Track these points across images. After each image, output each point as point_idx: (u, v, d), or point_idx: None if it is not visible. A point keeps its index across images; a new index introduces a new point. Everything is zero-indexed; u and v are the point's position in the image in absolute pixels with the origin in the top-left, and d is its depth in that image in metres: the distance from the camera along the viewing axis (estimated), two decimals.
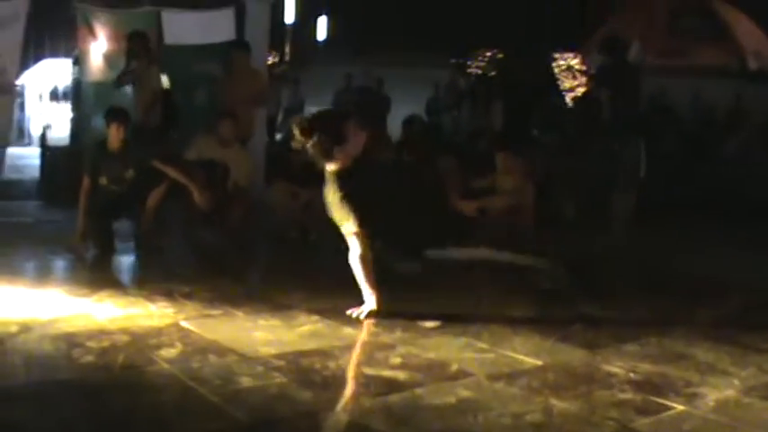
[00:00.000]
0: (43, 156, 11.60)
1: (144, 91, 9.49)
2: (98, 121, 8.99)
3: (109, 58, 10.59)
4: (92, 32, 10.73)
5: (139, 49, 9.55)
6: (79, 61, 11.40)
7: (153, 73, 9.69)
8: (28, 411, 3.75)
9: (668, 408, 4.07)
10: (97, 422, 3.68)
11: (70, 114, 13.05)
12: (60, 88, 18.13)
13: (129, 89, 9.63)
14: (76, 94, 12.11)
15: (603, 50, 9.77)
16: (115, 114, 7.79)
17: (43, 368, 4.32)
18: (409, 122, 10.24)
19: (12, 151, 10.84)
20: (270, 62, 15.72)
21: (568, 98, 17.31)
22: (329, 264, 7.53)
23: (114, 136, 7.63)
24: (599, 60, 11.84)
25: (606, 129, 9.59)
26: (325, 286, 6.45)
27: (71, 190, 7.86)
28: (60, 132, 13.32)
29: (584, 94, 15.00)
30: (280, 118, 17.01)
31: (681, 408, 4.08)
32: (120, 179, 7.62)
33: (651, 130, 10.60)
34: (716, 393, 4.29)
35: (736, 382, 4.50)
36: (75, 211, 7.56)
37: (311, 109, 18.36)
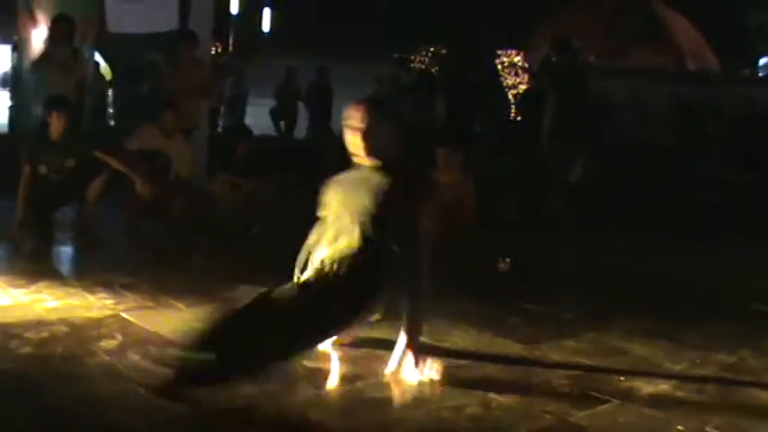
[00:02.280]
0: None
1: (67, 79, 9.33)
2: (37, 109, 8.89)
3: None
4: (33, 18, 10.58)
5: (61, 34, 9.39)
6: (19, 48, 11.25)
7: (80, 61, 9.55)
8: None
9: (604, 401, 4.15)
10: (35, 414, 3.65)
11: (9, 102, 12.86)
12: None
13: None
14: (16, 81, 11.95)
15: (555, 51, 9.87)
16: (56, 103, 7.71)
17: None
18: None
19: None
20: (213, 53, 15.64)
21: (510, 95, 17.44)
22: (271, 256, 7.53)
23: (55, 125, 7.55)
24: (541, 58, 11.99)
25: (550, 129, 9.71)
26: (267, 279, 6.43)
27: (9, 178, 7.77)
28: None
29: (527, 91, 15.12)
30: (222, 109, 16.92)
31: (616, 401, 4.16)
32: (61, 168, 7.55)
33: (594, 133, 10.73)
34: (650, 387, 4.39)
35: (670, 376, 4.59)
36: (14, 199, 7.47)
37: (254, 100, 18.33)
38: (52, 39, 9.46)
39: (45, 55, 9.42)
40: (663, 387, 4.43)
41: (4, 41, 16.35)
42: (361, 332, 5.02)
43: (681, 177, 10.99)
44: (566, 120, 9.51)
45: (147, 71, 10.74)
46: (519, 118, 14.33)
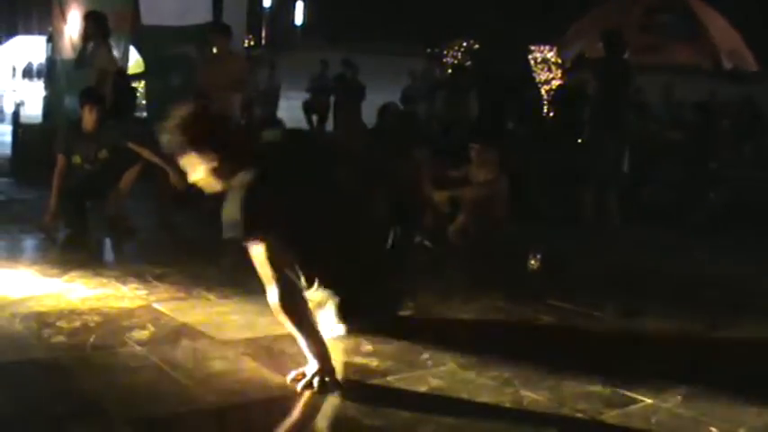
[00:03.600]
0: (15, 133, 11.51)
1: (92, 70, 9.43)
2: (71, 100, 8.96)
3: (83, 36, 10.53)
4: (64, 11, 10.66)
5: (94, 29, 9.50)
6: (53, 39, 11.33)
7: (102, 52, 9.62)
8: None
9: (636, 401, 4.11)
10: (68, 403, 3.67)
11: (43, 92, 12.96)
12: (34, 65, 17.99)
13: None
14: (50, 71, 12.03)
15: (607, 43, 9.78)
16: (89, 96, 7.77)
17: (14, 348, 4.29)
18: (384, 110, 10.26)
19: None
20: (246, 46, 15.68)
21: (543, 91, 17.38)
22: None
23: (88, 117, 7.60)
24: (575, 54, 11.91)
25: (591, 121, 9.64)
26: None
27: (43, 168, 7.83)
28: (33, 110, 13.21)
29: (562, 86, 15.05)
30: (256, 102, 16.96)
31: (649, 401, 4.12)
32: (94, 159, 7.60)
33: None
34: (684, 387, 4.34)
35: (704, 376, 4.55)
36: (48, 189, 7.53)
37: (286, 94, 18.37)
38: (86, 35, 9.56)
39: (85, 52, 9.52)
40: (697, 387, 4.38)
41: (40, 32, 16.48)
42: (390, 327, 5.02)
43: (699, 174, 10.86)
44: (611, 112, 9.44)
45: (178, 63, 10.77)
46: (552, 114, 14.26)
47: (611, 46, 9.72)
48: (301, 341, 4.04)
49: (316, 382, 3.92)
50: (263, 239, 3.98)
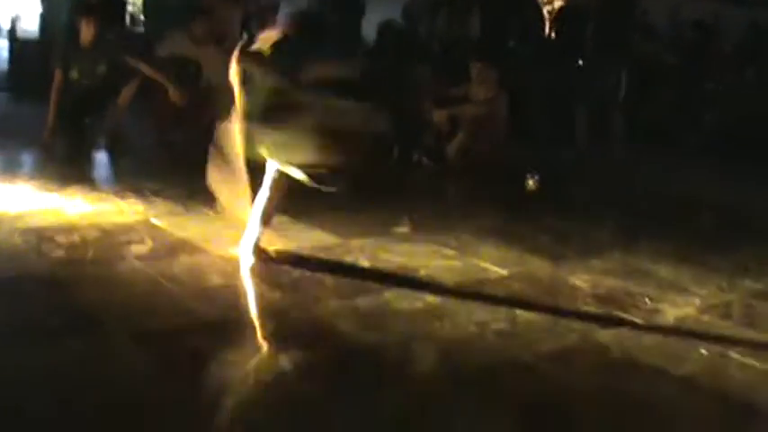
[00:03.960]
0: (12, 48, 11.39)
1: None
2: (68, 14, 8.85)
3: None
4: None
5: None
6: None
7: None
8: None
9: (629, 322, 4.16)
10: (67, 316, 3.70)
11: (40, 6, 12.79)
12: None
13: None
14: None
15: None
16: (86, 9, 7.68)
17: (13, 262, 4.32)
18: (385, 27, 10.16)
19: None
20: None
21: (545, 11, 17.16)
22: None
23: (86, 31, 7.52)
24: None
25: (591, 44, 9.56)
26: (296, 189, 6.45)
27: (40, 82, 7.77)
28: (30, 24, 13.04)
29: (564, 5, 14.85)
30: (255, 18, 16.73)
31: (641, 322, 4.16)
32: (92, 74, 7.53)
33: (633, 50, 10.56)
34: (675, 310, 4.38)
35: (695, 300, 4.59)
36: (45, 104, 7.48)
37: (285, 9, 18.16)
38: None
39: None
40: (688, 310, 4.42)
41: None
42: (389, 243, 5.05)
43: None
44: (612, 34, 9.37)
45: None
46: (554, 34, 14.10)
47: None
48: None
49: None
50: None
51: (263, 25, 5.07)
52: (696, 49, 11.22)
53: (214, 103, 8.17)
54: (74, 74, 7.51)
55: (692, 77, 10.76)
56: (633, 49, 9.95)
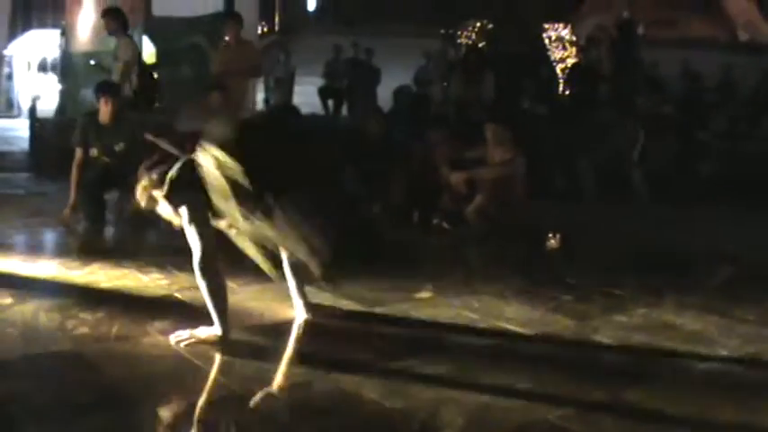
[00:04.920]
0: (32, 127, 11.57)
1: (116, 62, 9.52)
2: (87, 93, 9.01)
3: (96, 29, 10.59)
4: (78, 2, 10.71)
5: (115, 25, 9.60)
6: (66, 32, 11.38)
7: (123, 44, 9.68)
8: (25, 383, 3.78)
9: (656, 378, 4.13)
10: (93, 393, 3.71)
11: (58, 86, 13.02)
12: (49, 59, 18.04)
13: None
14: (64, 65, 12.09)
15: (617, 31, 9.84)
16: (105, 88, 7.82)
17: (39, 340, 4.34)
18: (399, 93, 10.27)
19: (0, 123, 10.79)
20: (260, 32, 15.69)
21: (558, 69, 17.29)
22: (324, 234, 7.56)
23: (104, 110, 7.64)
24: (590, 30, 11.89)
25: (606, 100, 9.65)
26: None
27: (60, 161, 7.87)
28: (49, 104, 13.26)
29: (577, 64, 14.99)
30: (271, 88, 16.98)
31: (669, 379, 4.13)
32: (111, 151, 7.63)
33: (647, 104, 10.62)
34: (703, 365, 4.35)
35: (723, 352, 4.55)
36: (65, 182, 7.58)
37: (301, 79, 18.37)
38: (110, 33, 9.66)
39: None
40: (716, 365, 4.39)
41: (54, 26, 16.52)
42: (412, 309, 5.04)
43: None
44: (623, 89, 9.48)
45: (189, 54, 10.82)
46: (568, 92, 14.21)
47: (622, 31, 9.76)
48: (210, 303, 4.36)
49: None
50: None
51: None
52: (685, 100, 11.28)
53: None
54: (94, 152, 7.61)
55: (685, 128, 10.75)
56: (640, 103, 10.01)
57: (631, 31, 9.81)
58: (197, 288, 5.14)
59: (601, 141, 9.65)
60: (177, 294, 5.25)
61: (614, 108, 9.54)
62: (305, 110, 11.04)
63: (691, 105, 11.39)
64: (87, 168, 7.57)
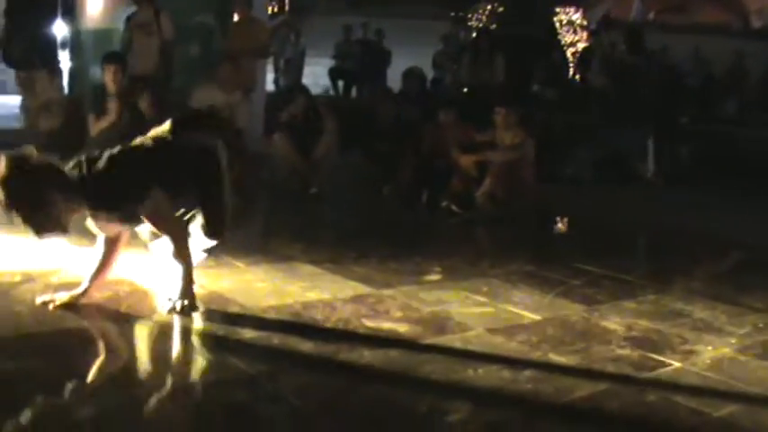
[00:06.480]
0: None
1: (149, 40, 9.40)
2: (97, 70, 8.97)
3: (107, 6, 10.56)
4: None
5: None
6: (77, 9, 11.34)
7: (165, 22, 9.54)
8: (36, 360, 3.78)
9: (665, 364, 4.13)
10: (102, 370, 3.72)
11: (68, 63, 12.97)
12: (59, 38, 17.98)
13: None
14: (74, 43, 12.04)
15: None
16: (108, 57, 7.83)
17: (48, 317, 4.34)
18: (409, 74, 10.24)
19: (8, 100, 10.75)
20: (270, 12, 15.65)
21: (569, 53, 17.24)
22: (329, 216, 7.58)
23: (108, 78, 7.63)
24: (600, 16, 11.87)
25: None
26: (325, 238, 6.50)
27: (69, 138, 7.86)
28: None
29: (587, 48, 14.95)
30: (280, 69, 16.94)
31: (677, 365, 4.13)
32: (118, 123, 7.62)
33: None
34: (712, 351, 4.35)
35: (732, 340, 4.55)
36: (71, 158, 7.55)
37: (311, 60, 18.34)
38: (136, 1, 9.58)
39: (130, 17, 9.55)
40: (725, 351, 4.39)
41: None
42: (420, 292, 5.04)
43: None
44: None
45: (197, 33, 10.77)
46: (578, 76, 14.17)
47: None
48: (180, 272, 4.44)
49: (178, 305, 4.35)
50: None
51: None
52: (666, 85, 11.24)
53: (243, 155, 8.28)
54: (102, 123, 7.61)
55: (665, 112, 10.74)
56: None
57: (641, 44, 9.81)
58: (204, 267, 5.10)
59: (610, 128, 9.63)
60: None
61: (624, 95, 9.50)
62: (315, 90, 11.02)
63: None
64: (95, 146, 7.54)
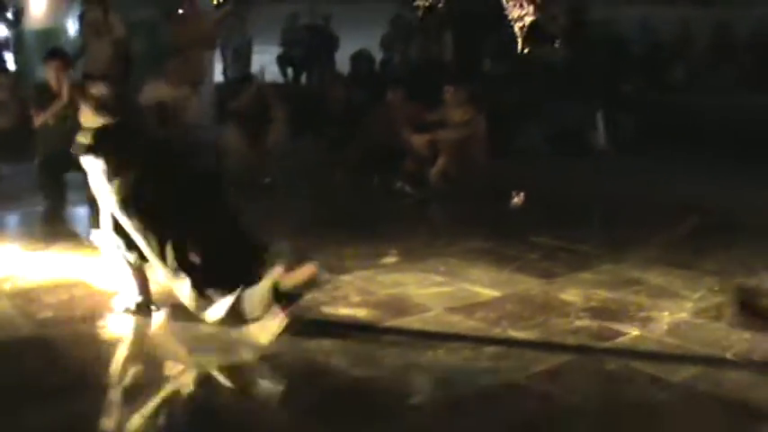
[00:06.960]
0: None
1: (99, 41, 9.32)
2: (41, 71, 8.85)
3: (51, 7, 10.43)
4: None
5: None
6: (20, 9, 11.20)
7: (116, 20, 9.47)
8: None
9: (623, 333, 4.16)
10: (59, 376, 3.68)
11: (11, 64, 12.79)
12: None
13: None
14: (17, 44, 11.88)
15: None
16: (51, 54, 7.72)
17: (2, 326, 4.27)
18: (357, 57, 10.21)
19: None
20: (215, 2, 15.51)
21: (516, 28, 17.25)
22: (283, 207, 7.53)
23: (49, 74, 7.52)
24: None
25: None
26: (280, 229, 6.46)
27: (15, 142, 7.76)
28: None
29: (535, 22, 14.95)
30: (228, 59, 16.79)
31: (635, 332, 4.17)
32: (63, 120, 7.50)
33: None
34: (669, 317, 4.39)
35: (688, 304, 4.60)
36: (20, 164, 7.46)
37: (260, 48, 18.21)
38: (86, 1, 9.50)
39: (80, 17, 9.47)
40: (682, 315, 4.43)
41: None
42: (378, 275, 5.04)
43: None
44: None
45: (141, 29, 10.67)
46: (526, 50, 14.17)
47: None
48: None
49: (133, 305, 4.35)
50: None
51: None
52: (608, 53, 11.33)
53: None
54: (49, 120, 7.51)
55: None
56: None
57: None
58: None
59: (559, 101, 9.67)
60: None
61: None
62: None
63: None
64: (45, 145, 7.42)
